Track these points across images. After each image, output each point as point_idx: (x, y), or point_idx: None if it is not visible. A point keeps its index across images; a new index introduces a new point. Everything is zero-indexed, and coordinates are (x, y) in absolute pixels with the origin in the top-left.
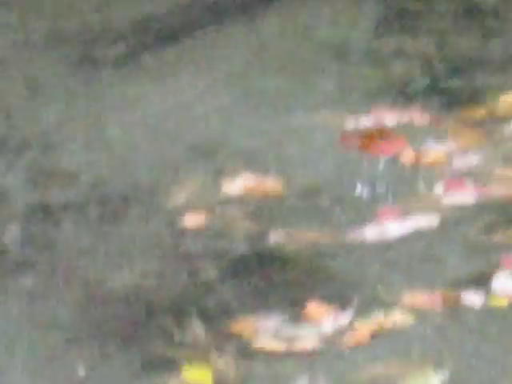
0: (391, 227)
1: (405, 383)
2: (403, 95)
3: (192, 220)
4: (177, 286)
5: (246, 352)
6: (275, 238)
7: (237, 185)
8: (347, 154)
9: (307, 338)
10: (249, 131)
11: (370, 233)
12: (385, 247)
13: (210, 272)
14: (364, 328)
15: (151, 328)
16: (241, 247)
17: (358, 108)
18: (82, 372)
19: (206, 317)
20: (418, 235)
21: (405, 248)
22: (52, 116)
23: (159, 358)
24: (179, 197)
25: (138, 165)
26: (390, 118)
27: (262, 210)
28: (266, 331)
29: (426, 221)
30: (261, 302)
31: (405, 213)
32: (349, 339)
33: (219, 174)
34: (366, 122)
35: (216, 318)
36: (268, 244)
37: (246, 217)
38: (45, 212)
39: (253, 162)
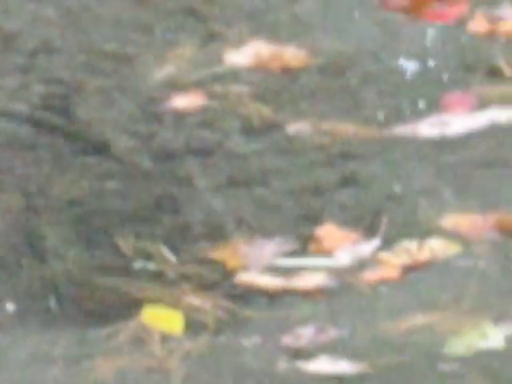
0: (453, 121)
1: (455, 339)
2: None
3: (178, 101)
4: (144, 192)
5: (228, 288)
6: (294, 128)
7: (244, 54)
8: (389, 17)
9: (312, 273)
10: None
11: (423, 127)
12: (438, 148)
13: (193, 174)
14: (393, 260)
15: (103, 252)
16: (241, 140)
17: None
18: (10, 307)
19: (179, 238)
20: (488, 134)
21: (466, 152)
22: None
23: (112, 294)
24: (161, 70)
25: (100, 24)
26: None
27: (278, 88)
28: (258, 261)
29: (505, 116)
30: (259, 222)
31: (472, 103)
32: (371, 275)
33: (217, 39)
34: None
35: (192, 241)
36: (285, 136)
37: (255, 98)
38: None
39: (262, 24)
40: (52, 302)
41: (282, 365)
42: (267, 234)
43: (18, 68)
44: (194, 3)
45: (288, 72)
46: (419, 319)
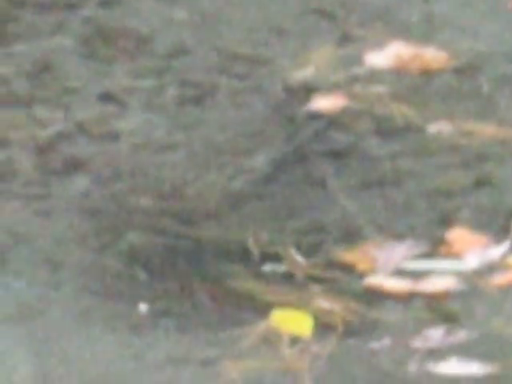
0: None
1: None
2: None
3: (320, 103)
4: (277, 194)
5: (357, 291)
6: (436, 128)
7: (384, 56)
8: None
9: (441, 276)
10: None
11: None
12: None
13: (327, 175)
14: None
15: (234, 255)
16: (375, 141)
17: None
18: (143, 308)
19: (311, 240)
20: None
21: None
22: None
23: (243, 297)
24: (301, 72)
25: (233, 26)
26: None
27: (417, 89)
28: (388, 264)
29: None
30: (391, 224)
31: None
32: (500, 278)
33: (351, 40)
34: None
35: (325, 243)
36: (419, 137)
37: (395, 98)
38: (106, 98)
39: (395, 24)
40: (187, 306)
41: (413, 367)
42: (399, 236)
43: (153, 70)
44: (326, 5)
45: (427, 73)
46: None
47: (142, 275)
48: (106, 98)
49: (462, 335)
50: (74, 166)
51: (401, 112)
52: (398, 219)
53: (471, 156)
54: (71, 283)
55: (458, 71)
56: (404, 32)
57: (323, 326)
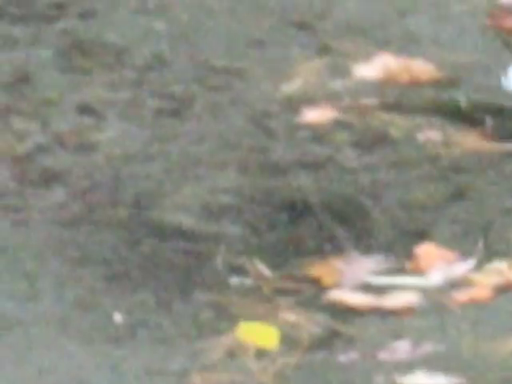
0: None
1: None
2: None
3: (309, 115)
4: (254, 205)
5: (322, 304)
6: (425, 136)
7: (373, 67)
8: (495, 40)
9: (405, 292)
10: (368, 4)
11: None
12: None
13: (304, 187)
14: (484, 281)
15: (202, 268)
16: (352, 153)
17: None
18: (118, 319)
19: (276, 253)
20: None
21: None
22: None
23: (210, 309)
24: (289, 84)
25: (211, 38)
26: None
27: (406, 100)
28: (352, 279)
29: None
30: (366, 237)
31: None
32: (461, 295)
33: (330, 52)
34: None
35: (290, 257)
36: (406, 147)
37: (385, 109)
38: (84, 110)
39: (373, 37)
40: (164, 317)
41: (380, 379)
42: (374, 248)
43: (130, 82)
44: (304, 17)
45: (416, 85)
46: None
47: (119, 286)
48: (84, 109)
49: (428, 348)
50: (51, 177)
51: (389, 123)
52: (373, 232)
53: (449, 168)
54: (48, 294)
55: (445, 83)
56: (382, 44)
57: (289, 339)
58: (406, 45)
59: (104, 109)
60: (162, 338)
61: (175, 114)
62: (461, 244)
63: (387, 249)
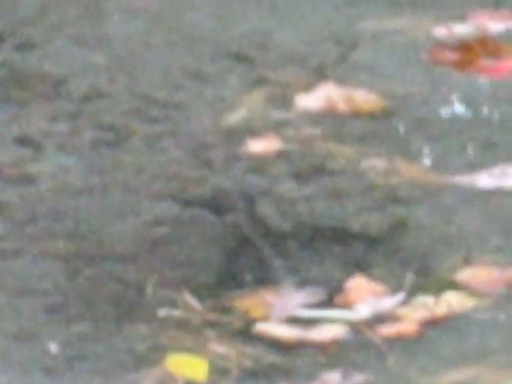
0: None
1: None
2: None
3: (254, 146)
4: (192, 237)
5: (251, 336)
6: (370, 163)
7: (316, 98)
8: (436, 70)
9: (331, 325)
10: (307, 34)
11: (481, 177)
12: (492, 196)
13: (242, 220)
14: (411, 315)
15: (132, 299)
16: (291, 185)
17: (450, 11)
18: (54, 349)
19: (210, 285)
20: None
21: None
22: (31, 3)
23: (143, 340)
24: (232, 115)
25: (148, 70)
26: (494, 24)
27: (349, 130)
28: (281, 311)
29: None
30: (305, 269)
31: None
32: (388, 329)
33: (265, 83)
34: (462, 29)
35: (225, 288)
36: (345, 177)
37: (328, 139)
38: (22, 141)
39: (309, 67)
40: (101, 348)
41: None
42: (311, 281)
43: (68, 114)
44: (242, 48)
45: (358, 114)
46: (456, 374)
47: (58, 317)
48: (22, 141)
49: (359, 379)
50: None
51: (330, 153)
52: (312, 263)
53: (387, 198)
54: None
55: (386, 113)
56: (320, 74)
57: (218, 371)
58: (346, 75)
59: (42, 140)
60: (99, 370)
61: (114, 145)
62: (397, 276)
63: (324, 281)
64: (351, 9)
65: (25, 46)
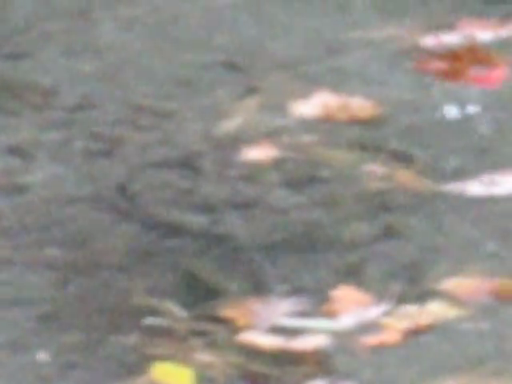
0: (506, 181)
1: None
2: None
3: (250, 153)
4: (184, 246)
5: (232, 346)
6: (365, 170)
7: (312, 105)
8: (423, 80)
9: (315, 335)
10: (297, 42)
11: (473, 186)
12: (482, 203)
13: (234, 227)
14: (395, 324)
15: (118, 308)
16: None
17: (439, 20)
18: (43, 357)
19: (198, 294)
20: None
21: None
22: (22, 13)
23: (131, 349)
24: (227, 122)
25: (139, 79)
26: (483, 32)
27: (345, 138)
28: (266, 321)
29: None
30: (297, 277)
31: None
32: (371, 339)
33: (256, 91)
34: (450, 38)
35: (212, 297)
36: (337, 185)
37: (324, 147)
38: (13, 151)
39: (300, 75)
40: (95, 357)
41: None
42: (303, 289)
43: (59, 123)
44: (233, 56)
45: (355, 122)
46: (446, 382)
47: (49, 327)
48: (13, 151)
49: None
50: None
51: (325, 160)
52: (304, 272)
53: (380, 205)
54: None
55: (381, 120)
56: (312, 82)
57: (204, 380)
58: (338, 82)
59: (33, 150)
60: (89, 379)
61: (105, 154)
62: (387, 284)
63: (316, 289)
64: (341, 17)
65: (15, 56)
